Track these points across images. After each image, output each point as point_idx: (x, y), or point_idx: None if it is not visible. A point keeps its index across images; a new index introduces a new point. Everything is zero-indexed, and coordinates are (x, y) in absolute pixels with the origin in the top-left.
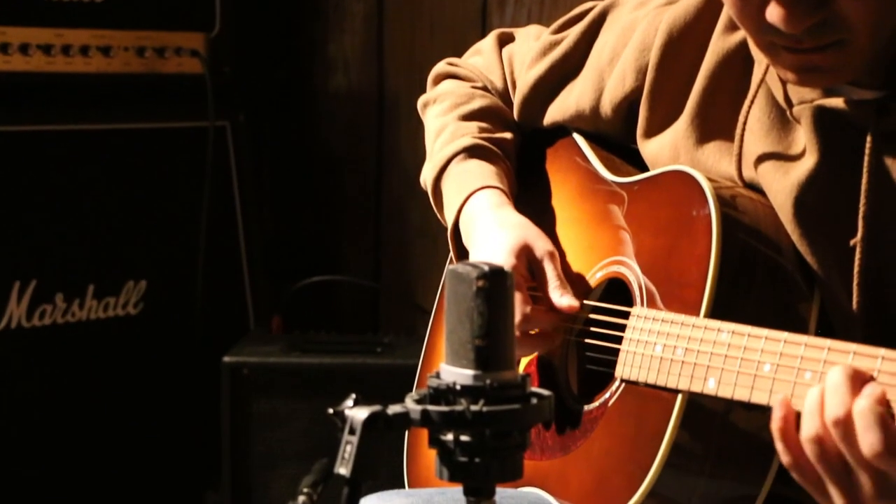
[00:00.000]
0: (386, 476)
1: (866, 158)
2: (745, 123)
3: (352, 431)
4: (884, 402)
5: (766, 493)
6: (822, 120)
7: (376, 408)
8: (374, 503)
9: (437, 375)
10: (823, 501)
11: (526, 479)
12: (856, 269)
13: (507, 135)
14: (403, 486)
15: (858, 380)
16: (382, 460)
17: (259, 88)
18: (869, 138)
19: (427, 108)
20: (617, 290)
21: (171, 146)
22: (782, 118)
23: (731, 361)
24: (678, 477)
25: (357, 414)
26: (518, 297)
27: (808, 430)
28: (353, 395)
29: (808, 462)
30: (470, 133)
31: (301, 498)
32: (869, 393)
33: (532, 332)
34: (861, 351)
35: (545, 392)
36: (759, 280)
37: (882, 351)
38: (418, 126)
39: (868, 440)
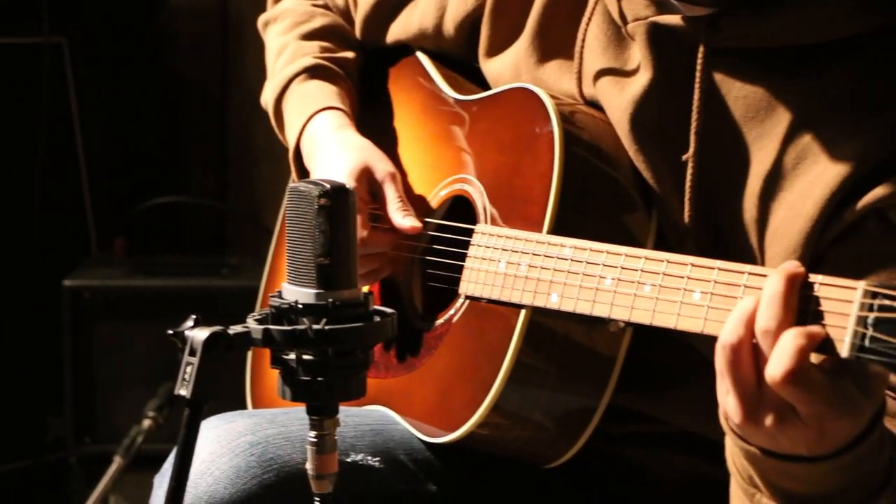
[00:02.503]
0: (229, 397)
1: (698, 74)
2: (583, 41)
3: (192, 353)
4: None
5: (605, 405)
6: (656, 36)
7: (217, 328)
8: (216, 424)
9: (279, 295)
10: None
11: (370, 397)
12: (688, 184)
13: (349, 54)
14: (247, 408)
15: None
16: (226, 381)
17: (98, 3)
18: (700, 54)
19: (267, 27)
20: (461, 209)
21: (2, 64)
22: (618, 35)
23: (574, 276)
24: (521, 391)
25: (197, 335)
26: (358, 220)
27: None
28: (194, 316)
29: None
30: (311, 53)
31: (146, 421)
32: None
33: (372, 254)
34: (698, 263)
35: (388, 310)
36: (599, 196)
37: (718, 263)
38: (265, 44)
39: (773, 364)
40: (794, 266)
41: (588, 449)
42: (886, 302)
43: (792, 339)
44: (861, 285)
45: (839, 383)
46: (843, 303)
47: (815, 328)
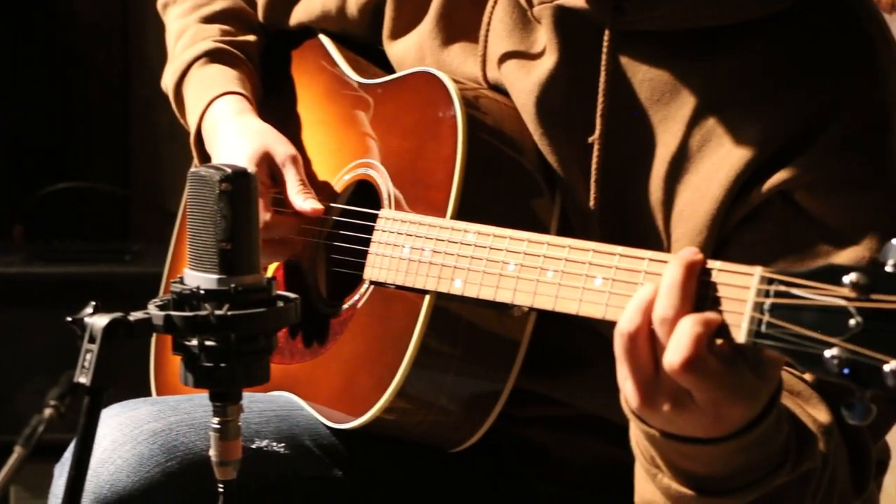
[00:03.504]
0: (134, 385)
1: (603, 57)
2: (488, 24)
3: (92, 339)
4: (711, 323)
5: (510, 389)
6: (562, 19)
7: (117, 315)
8: (118, 412)
9: (181, 281)
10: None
11: (275, 382)
12: (593, 166)
13: (251, 37)
14: (151, 395)
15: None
16: (130, 369)
17: None
18: (606, 37)
19: (167, 9)
20: (365, 193)
21: None
22: (524, 18)
23: (477, 262)
24: (426, 376)
25: (97, 322)
26: (259, 205)
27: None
28: (93, 303)
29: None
30: (211, 36)
31: (47, 410)
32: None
33: (275, 239)
34: (599, 249)
35: (291, 295)
36: (503, 181)
37: (619, 249)
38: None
39: (670, 353)
40: (693, 253)
41: (493, 432)
42: (782, 288)
43: (689, 327)
44: (758, 271)
45: (735, 369)
46: (741, 289)
47: (712, 315)
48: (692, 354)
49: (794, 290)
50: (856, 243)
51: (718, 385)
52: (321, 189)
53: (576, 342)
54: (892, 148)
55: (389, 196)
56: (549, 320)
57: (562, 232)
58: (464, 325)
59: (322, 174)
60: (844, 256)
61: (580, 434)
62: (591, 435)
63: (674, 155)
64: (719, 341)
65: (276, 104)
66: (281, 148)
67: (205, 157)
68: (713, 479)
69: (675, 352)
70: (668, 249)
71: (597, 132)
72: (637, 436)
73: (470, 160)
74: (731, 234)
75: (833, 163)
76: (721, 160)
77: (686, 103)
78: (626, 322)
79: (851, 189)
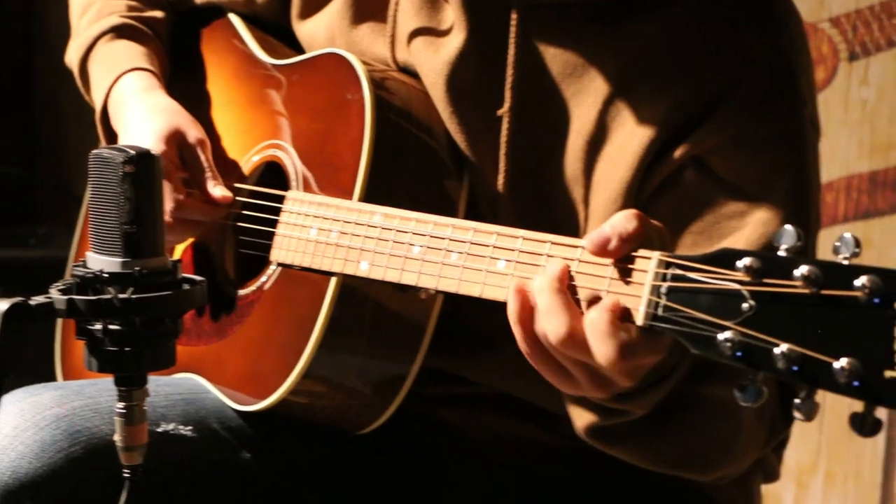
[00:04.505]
0: (39, 371)
1: (512, 30)
2: (396, 3)
3: None
4: (616, 309)
5: (417, 370)
6: None
7: (17, 299)
8: (21, 398)
9: (84, 264)
10: (568, 388)
11: (182, 365)
12: (503, 139)
13: (158, 13)
14: (57, 380)
15: (566, 292)
16: (35, 353)
17: None
18: (515, 12)
19: None
20: (274, 174)
21: None
22: None
23: (383, 244)
24: (333, 358)
25: None
26: (168, 186)
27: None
28: None
29: (545, 353)
30: (117, 11)
31: None
32: (599, 306)
33: (184, 218)
34: (503, 232)
35: (197, 278)
36: (411, 163)
37: (522, 232)
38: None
39: (601, 352)
40: (560, 268)
41: (404, 412)
42: (679, 272)
43: (601, 320)
44: (655, 255)
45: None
46: (639, 272)
47: (613, 301)
48: (619, 341)
49: (691, 274)
50: (766, 203)
51: (650, 348)
52: (229, 169)
53: (487, 322)
54: (796, 108)
55: (297, 177)
56: (457, 299)
57: (471, 213)
58: (370, 307)
59: (230, 154)
60: (755, 217)
61: (490, 412)
62: (501, 413)
63: (588, 128)
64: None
65: (184, 83)
66: (191, 129)
67: (111, 135)
68: (655, 369)
69: (603, 349)
70: (585, 221)
71: (506, 105)
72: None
73: (378, 142)
74: (647, 201)
75: (741, 125)
76: (634, 129)
77: (598, 76)
78: (521, 343)
79: (759, 149)
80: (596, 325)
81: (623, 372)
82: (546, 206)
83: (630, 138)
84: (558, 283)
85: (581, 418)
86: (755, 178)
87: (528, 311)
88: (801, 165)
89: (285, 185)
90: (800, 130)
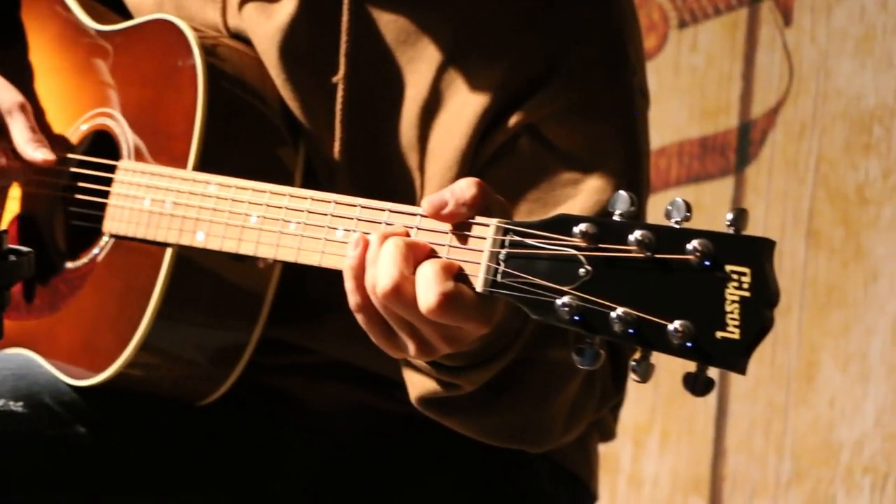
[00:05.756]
0: None
1: None
2: None
3: None
4: (449, 266)
5: (257, 339)
6: None
7: None
8: None
9: None
10: (393, 351)
11: (11, 339)
12: (338, 106)
13: None
14: None
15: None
16: None
17: None
18: None
19: None
20: (104, 144)
21: None
22: None
23: (219, 214)
24: (170, 329)
25: None
26: None
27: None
28: None
29: (372, 308)
30: None
31: None
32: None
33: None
34: (341, 200)
35: (24, 249)
36: (245, 131)
37: (360, 200)
38: None
39: (424, 298)
40: (400, 227)
41: (244, 383)
42: (517, 238)
43: (430, 270)
44: (493, 222)
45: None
46: (478, 239)
47: (449, 260)
48: (444, 290)
49: (529, 241)
50: (599, 171)
51: (478, 306)
52: (55, 139)
53: (326, 290)
54: (626, 76)
55: (129, 147)
56: (297, 268)
57: (308, 181)
58: (208, 278)
59: (56, 124)
60: (589, 184)
61: (330, 381)
62: (341, 381)
63: (423, 95)
64: None
65: (2, 51)
66: (7, 95)
67: None
68: (488, 346)
69: (427, 295)
70: (421, 189)
71: (341, 72)
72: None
73: (211, 110)
74: (482, 170)
75: (572, 94)
76: (468, 96)
77: (431, 43)
78: (354, 299)
79: (591, 118)
80: (425, 274)
81: (445, 336)
82: (382, 174)
83: (464, 105)
84: (397, 237)
85: (415, 388)
86: (587, 146)
87: (362, 262)
88: (632, 133)
89: (116, 155)
90: (629, 99)
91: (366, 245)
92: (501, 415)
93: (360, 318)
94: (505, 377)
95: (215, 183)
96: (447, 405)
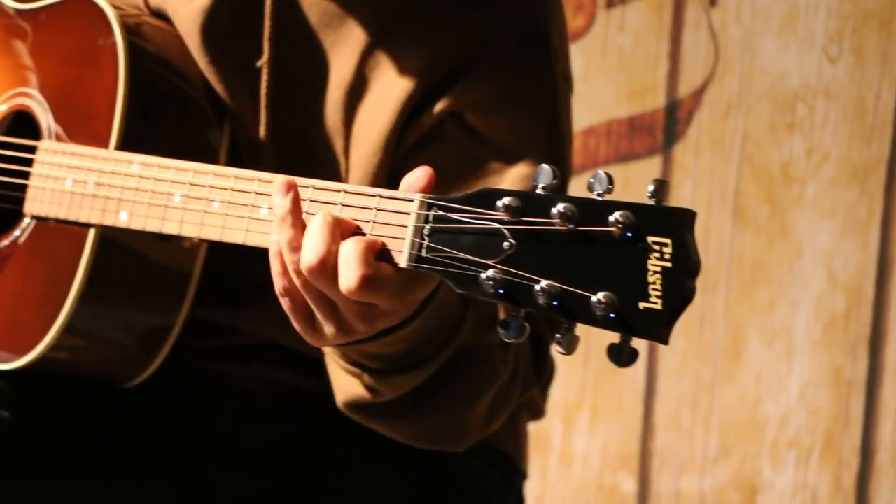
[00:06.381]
0: None
1: None
2: None
3: None
4: (372, 244)
5: (184, 320)
6: None
7: None
8: None
9: None
10: (313, 338)
11: None
12: (263, 91)
13: None
14: None
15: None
16: None
17: None
18: None
19: None
20: (24, 125)
21: None
22: None
23: (142, 194)
24: (95, 310)
25: None
26: None
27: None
28: None
29: (294, 289)
30: None
31: None
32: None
33: None
34: (265, 178)
35: None
36: (169, 110)
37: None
38: None
39: (346, 277)
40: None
41: (173, 365)
42: (441, 213)
43: (353, 248)
44: (417, 197)
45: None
46: (402, 214)
47: (371, 237)
48: (366, 272)
49: (453, 215)
50: (523, 159)
51: (397, 284)
52: None
53: (255, 270)
54: (549, 64)
55: (49, 127)
56: (224, 248)
57: (233, 162)
58: (132, 258)
59: None
60: (513, 172)
61: (260, 363)
62: (271, 363)
63: (347, 79)
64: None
65: None
66: None
67: None
68: (412, 351)
69: (348, 276)
70: (346, 173)
71: (265, 56)
72: (332, 351)
73: (133, 90)
74: (407, 156)
75: (496, 81)
76: (392, 83)
77: (356, 27)
78: (278, 278)
79: (514, 105)
80: (347, 254)
81: (362, 315)
82: (308, 158)
83: (389, 90)
84: (324, 212)
85: (341, 392)
86: (511, 134)
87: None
88: (555, 120)
89: (37, 135)
90: (553, 86)
91: (292, 221)
92: (424, 419)
93: (283, 302)
94: (430, 384)
95: (138, 162)
96: (372, 410)
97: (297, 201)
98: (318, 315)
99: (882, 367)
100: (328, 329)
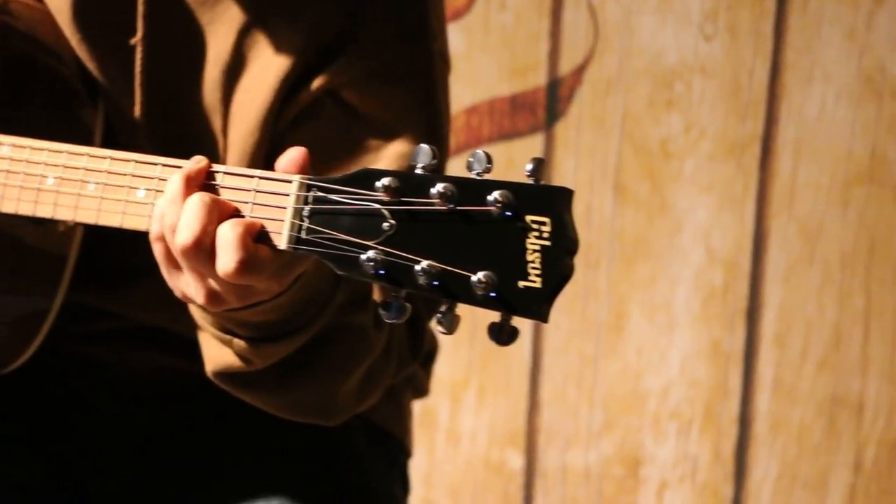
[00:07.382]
0: None
1: None
2: None
3: None
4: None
5: (59, 305)
6: None
7: None
8: None
9: None
10: (178, 291)
11: None
12: (137, 69)
13: None
14: None
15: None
16: None
17: None
18: None
19: None
20: None
21: None
22: None
23: (14, 176)
24: None
25: None
26: None
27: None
28: None
29: (174, 262)
30: None
31: None
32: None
33: None
34: (142, 160)
35: None
36: (40, 91)
37: (161, 159)
38: None
39: (223, 262)
40: (194, 162)
41: (50, 351)
42: (320, 194)
43: (231, 231)
44: (296, 178)
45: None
46: (281, 196)
47: (249, 220)
48: (243, 256)
49: (333, 196)
50: (400, 137)
51: (275, 267)
52: None
53: (133, 253)
54: (426, 42)
55: None
56: (104, 232)
57: (108, 142)
58: (4, 242)
59: None
60: (391, 150)
61: (139, 346)
62: (151, 347)
63: (224, 58)
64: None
65: None
66: None
67: None
68: (284, 321)
69: (225, 260)
70: (224, 153)
71: (139, 34)
72: (202, 314)
73: (1, 69)
74: (285, 135)
75: (372, 60)
76: (269, 61)
77: (232, 6)
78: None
79: (391, 84)
80: (225, 237)
81: (237, 292)
82: (185, 137)
83: (266, 68)
84: (203, 193)
85: (210, 361)
86: (389, 112)
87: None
88: (433, 100)
89: None
90: (430, 64)
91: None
92: (294, 391)
93: (164, 267)
94: (301, 356)
95: (8, 144)
96: (240, 379)
97: (189, 184)
98: (192, 286)
99: (758, 338)
100: (200, 298)
